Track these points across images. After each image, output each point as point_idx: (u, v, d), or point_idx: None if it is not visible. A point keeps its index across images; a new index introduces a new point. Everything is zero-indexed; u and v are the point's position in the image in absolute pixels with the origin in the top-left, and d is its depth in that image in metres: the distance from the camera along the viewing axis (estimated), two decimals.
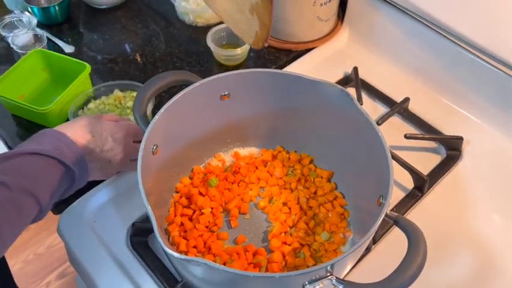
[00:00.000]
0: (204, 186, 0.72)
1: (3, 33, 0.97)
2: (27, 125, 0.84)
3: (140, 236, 0.70)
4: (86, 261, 0.69)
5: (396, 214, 0.55)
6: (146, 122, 0.61)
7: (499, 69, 0.80)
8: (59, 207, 0.75)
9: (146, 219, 0.71)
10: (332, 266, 0.50)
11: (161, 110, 0.62)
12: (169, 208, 0.71)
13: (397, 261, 0.51)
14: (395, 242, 0.55)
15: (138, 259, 0.68)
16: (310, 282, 0.51)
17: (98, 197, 0.75)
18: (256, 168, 0.76)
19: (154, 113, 0.66)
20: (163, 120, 0.63)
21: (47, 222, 0.79)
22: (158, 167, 0.65)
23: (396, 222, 0.55)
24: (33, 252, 1.58)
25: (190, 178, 0.74)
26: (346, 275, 0.66)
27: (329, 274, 0.51)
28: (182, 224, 0.69)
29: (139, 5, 1.10)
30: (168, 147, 0.67)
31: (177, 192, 0.73)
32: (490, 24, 0.77)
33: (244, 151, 0.79)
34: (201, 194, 0.71)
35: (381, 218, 0.53)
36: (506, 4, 0.75)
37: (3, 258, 0.77)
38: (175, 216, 0.69)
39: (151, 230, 0.61)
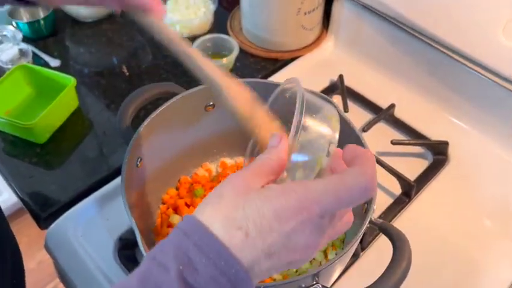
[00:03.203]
0: (190, 196, 0.72)
1: None
2: (12, 140, 0.84)
3: (127, 249, 0.70)
4: (74, 276, 0.69)
5: (381, 221, 0.55)
6: (130, 136, 0.61)
7: (482, 74, 0.80)
8: (46, 221, 0.75)
9: (133, 232, 0.71)
10: (318, 274, 0.50)
11: (145, 123, 0.62)
12: (156, 219, 0.71)
13: (385, 267, 0.51)
14: (384, 248, 0.55)
15: (126, 272, 0.68)
16: None
17: (84, 211, 0.74)
18: None
19: (134, 125, 0.64)
20: (147, 132, 0.63)
21: (38, 237, 0.78)
22: (143, 179, 0.65)
23: (381, 229, 0.55)
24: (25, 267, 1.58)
25: (177, 189, 0.74)
26: (335, 283, 0.66)
27: (315, 282, 0.51)
28: None
29: (125, 17, 1.10)
30: (153, 159, 0.67)
31: (164, 203, 0.73)
32: (471, 30, 0.78)
33: (231, 161, 0.79)
34: (187, 204, 0.71)
35: (366, 225, 0.53)
36: (486, 11, 0.76)
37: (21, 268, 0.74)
38: (162, 227, 0.69)
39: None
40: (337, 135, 0.41)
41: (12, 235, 0.73)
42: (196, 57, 0.49)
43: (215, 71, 0.48)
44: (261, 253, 0.33)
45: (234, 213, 0.33)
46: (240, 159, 0.79)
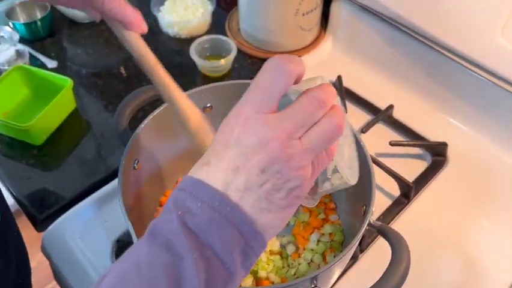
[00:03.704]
0: None
1: None
2: (9, 142, 0.83)
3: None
4: (71, 278, 0.69)
5: (379, 223, 0.55)
6: (127, 137, 0.61)
7: (480, 75, 0.80)
8: (43, 224, 0.74)
9: (130, 234, 0.70)
10: (316, 277, 0.50)
11: (142, 124, 0.62)
12: None
13: (385, 269, 0.51)
14: (383, 250, 0.54)
15: None
16: None
17: (82, 213, 0.74)
18: None
19: (132, 126, 0.64)
20: (145, 134, 0.62)
21: (36, 238, 0.78)
22: (141, 181, 0.65)
23: (380, 231, 0.55)
24: None
25: None
26: (333, 285, 0.66)
27: (313, 286, 0.51)
28: None
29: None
30: (151, 160, 0.67)
31: (161, 205, 0.72)
32: (469, 31, 0.78)
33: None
34: None
35: (364, 228, 0.53)
36: (484, 12, 0.75)
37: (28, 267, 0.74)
38: None
39: None
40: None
41: (17, 233, 0.72)
42: (162, 77, 0.55)
43: (176, 90, 0.55)
44: (225, 172, 0.35)
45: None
46: None
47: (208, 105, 0.70)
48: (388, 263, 0.51)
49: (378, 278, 0.50)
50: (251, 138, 0.34)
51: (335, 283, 0.66)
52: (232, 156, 0.35)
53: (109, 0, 0.51)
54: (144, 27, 0.54)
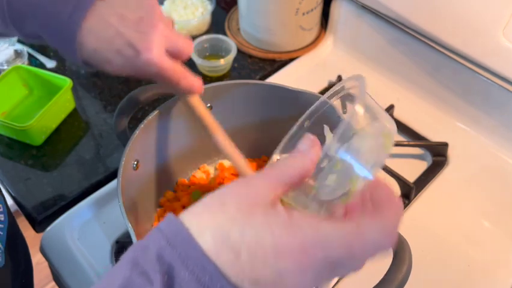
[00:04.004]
0: (188, 199, 0.71)
1: None
2: (8, 142, 0.83)
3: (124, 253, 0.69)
4: (70, 280, 0.68)
5: None
6: (127, 138, 0.61)
7: (482, 75, 0.80)
8: (42, 225, 0.74)
9: (130, 235, 0.70)
10: None
11: (142, 125, 0.61)
12: (153, 223, 0.70)
13: (386, 270, 0.50)
14: None
15: None
16: None
17: (81, 214, 0.74)
18: None
19: (131, 127, 0.64)
20: (144, 134, 0.62)
21: (35, 239, 0.78)
22: (140, 182, 0.64)
23: None
24: None
25: (174, 191, 0.73)
26: (334, 285, 0.65)
27: (313, 286, 0.50)
28: None
29: None
30: (151, 161, 0.66)
31: (161, 206, 0.72)
32: (471, 30, 0.78)
33: (229, 162, 0.78)
34: (184, 207, 0.70)
35: None
36: (486, 12, 0.75)
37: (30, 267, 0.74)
38: None
39: None
40: (384, 160, 0.36)
41: (22, 236, 0.72)
42: (221, 139, 0.57)
43: (235, 152, 0.57)
44: (246, 279, 0.30)
45: (230, 230, 0.30)
46: None
47: (208, 105, 0.69)
48: (388, 263, 0.50)
49: (379, 278, 0.49)
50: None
51: (335, 283, 0.65)
52: None
53: (182, 76, 0.52)
54: (201, 88, 0.56)
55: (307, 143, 0.36)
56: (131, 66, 0.48)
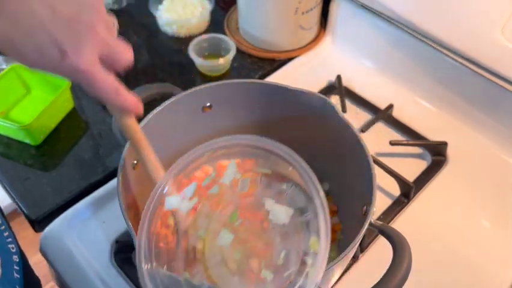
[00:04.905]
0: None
1: None
2: (7, 142, 0.83)
3: (124, 252, 0.69)
4: (70, 279, 0.68)
5: (380, 223, 0.54)
6: (126, 138, 0.60)
7: (480, 74, 0.80)
8: (41, 224, 0.74)
9: (130, 234, 0.70)
10: None
11: (141, 124, 0.61)
12: None
13: (386, 269, 0.50)
14: (383, 250, 0.54)
15: (123, 276, 0.67)
16: None
17: (80, 214, 0.73)
18: None
19: None
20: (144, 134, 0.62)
21: (34, 238, 0.78)
22: (140, 181, 0.64)
23: (381, 231, 0.54)
24: None
25: None
26: (334, 285, 0.65)
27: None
28: (166, 236, 0.68)
29: (121, 17, 1.09)
30: None
31: (160, 205, 0.72)
32: (469, 29, 0.78)
33: (229, 162, 0.78)
34: None
35: (365, 228, 0.52)
36: (485, 10, 0.75)
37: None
38: (160, 228, 0.68)
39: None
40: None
41: (36, 276, 0.72)
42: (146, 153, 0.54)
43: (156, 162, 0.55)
44: None
45: None
46: (237, 161, 0.78)
47: (207, 104, 0.69)
48: (388, 262, 0.50)
49: (379, 277, 0.49)
50: None
51: (335, 283, 0.65)
52: None
53: (114, 92, 0.45)
54: (141, 110, 0.49)
55: None
56: (53, 68, 0.40)
